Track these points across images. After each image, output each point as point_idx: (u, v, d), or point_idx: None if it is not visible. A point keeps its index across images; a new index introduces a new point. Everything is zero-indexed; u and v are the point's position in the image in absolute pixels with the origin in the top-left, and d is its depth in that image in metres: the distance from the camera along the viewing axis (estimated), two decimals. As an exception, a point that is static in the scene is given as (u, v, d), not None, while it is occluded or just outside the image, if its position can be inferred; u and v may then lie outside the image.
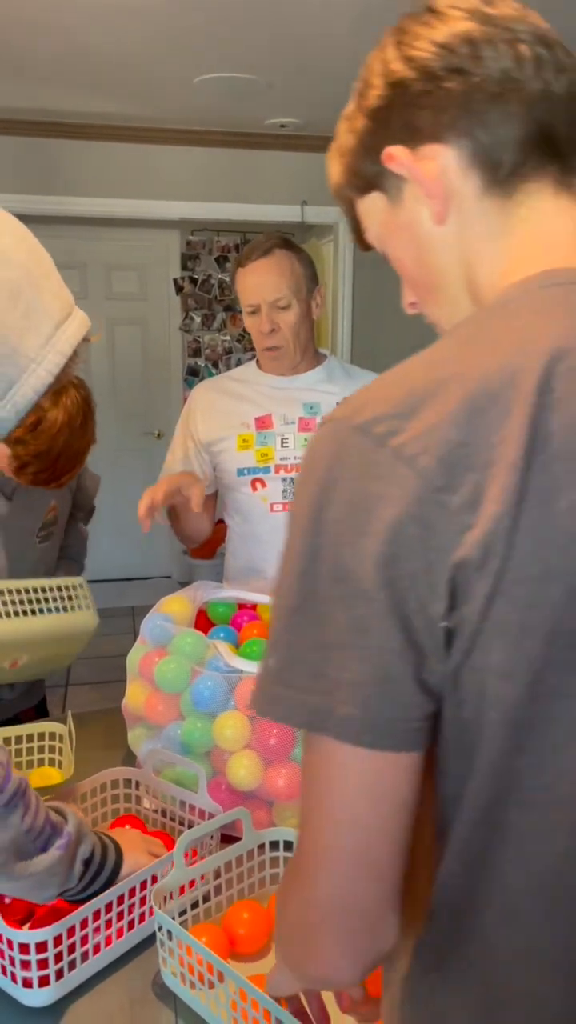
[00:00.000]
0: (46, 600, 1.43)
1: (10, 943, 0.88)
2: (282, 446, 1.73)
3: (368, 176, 0.68)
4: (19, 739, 1.38)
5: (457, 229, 0.64)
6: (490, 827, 0.55)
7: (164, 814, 1.25)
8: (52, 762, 1.40)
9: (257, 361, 1.82)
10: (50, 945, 0.88)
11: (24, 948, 0.87)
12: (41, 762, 1.40)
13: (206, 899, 1.05)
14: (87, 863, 0.87)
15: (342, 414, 0.55)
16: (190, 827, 1.20)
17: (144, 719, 1.35)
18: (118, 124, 3.83)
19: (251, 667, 1.29)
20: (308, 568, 0.54)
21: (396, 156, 0.63)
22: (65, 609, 1.46)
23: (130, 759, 1.48)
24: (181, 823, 1.22)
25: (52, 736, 1.40)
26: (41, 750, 1.40)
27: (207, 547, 4.94)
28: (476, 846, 0.56)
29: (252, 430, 1.74)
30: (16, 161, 3.85)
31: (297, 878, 0.58)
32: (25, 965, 0.88)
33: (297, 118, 3.72)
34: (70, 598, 1.47)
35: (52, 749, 1.41)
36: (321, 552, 0.53)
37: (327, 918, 0.56)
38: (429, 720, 0.54)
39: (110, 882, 0.91)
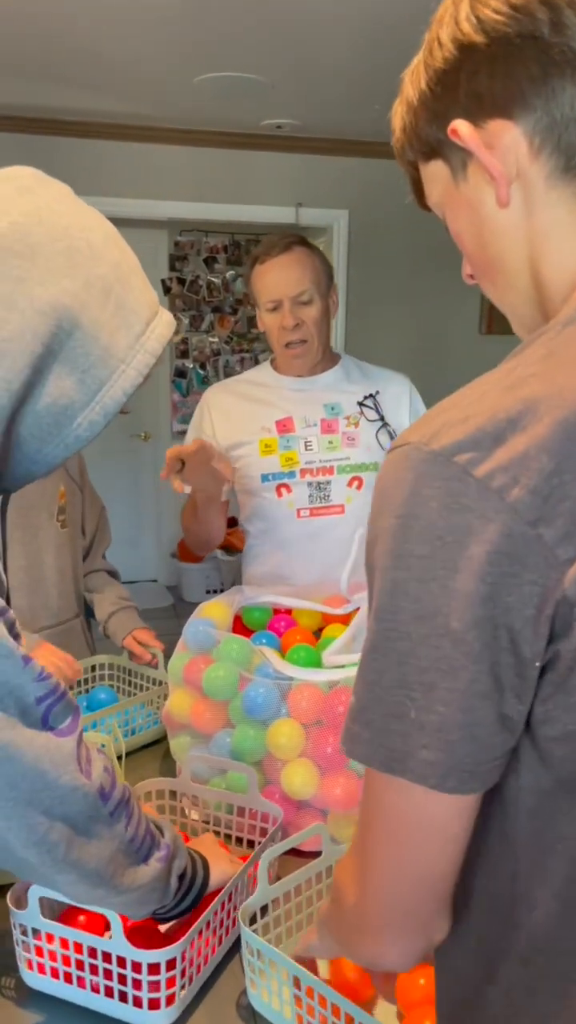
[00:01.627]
0: None
1: (136, 965, 0.86)
2: (306, 449, 1.70)
3: (431, 143, 0.63)
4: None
5: (522, 216, 0.59)
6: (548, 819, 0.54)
7: (207, 821, 1.22)
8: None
9: (272, 362, 1.79)
10: (178, 962, 0.87)
11: (153, 968, 0.86)
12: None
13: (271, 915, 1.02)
14: (181, 878, 0.84)
15: (417, 439, 0.51)
16: (242, 837, 1.18)
17: (190, 727, 1.32)
18: (113, 122, 3.78)
19: (302, 674, 1.26)
20: (386, 604, 0.51)
21: (460, 132, 0.58)
22: None
23: (167, 769, 1.45)
24: (228, 832, 1.19)
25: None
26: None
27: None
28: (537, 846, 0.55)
29: (274, 434, 1.71)
30: (4, 158, 3.77)
31: (356, 882, 0.58)
32: (152, 987, 0.87)
33: (294, 119, 3.70)
34: None
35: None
36: (401, 588, 0.50)
37: (382, 920, 0.58)
38: (507, 756, 0.52)
39: (199, 896, 0.88)
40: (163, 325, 0.74)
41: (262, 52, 2.89)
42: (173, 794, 1.23)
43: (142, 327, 0.71)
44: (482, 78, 0.57)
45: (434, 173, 0.65)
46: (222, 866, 0.92)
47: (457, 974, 0.61)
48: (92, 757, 0.73)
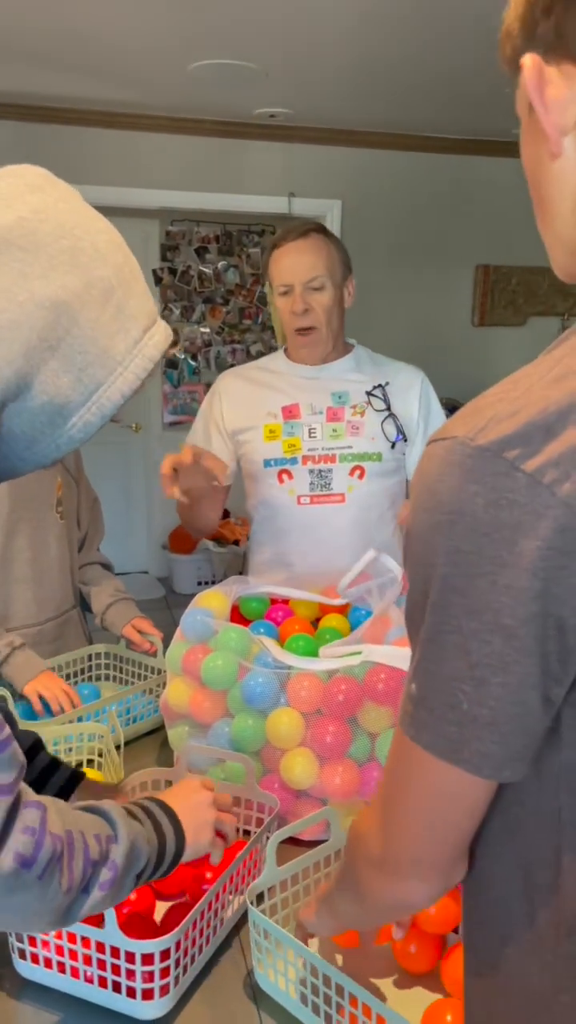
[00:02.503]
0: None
1: (130, 955, 0.86)
2: (309, 436, 1.70)
3: (516, 64, 0.58)
4: (56, 740, 1.34)
5: (572, 172, 0.56)
6: None
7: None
8: (91, 763, 1.36)
9: (286, 350, 1.79)
10: (172, 952, 0.87)
11: (147, 959, 0.86)
12: (79, 764, 1.35)
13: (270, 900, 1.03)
14: (139, 877, 0.81)
15: (462, 432, 0.51)
16: (239, 827, 1.18)
17: (188, 716, 1.32)
18: (104, 110, 3.75)
19: (301, 663, 1.26)
20: (438, 600, 0.52)
21: (525, 68, 0.55)
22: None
23: (165, 758, 1.45)
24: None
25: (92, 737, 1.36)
26: (80, 751, 1.36)
27: (188, 541, 4.89)
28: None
29: (279, 420, 1.71)
30: (-4, 145, 3.74)
31: (382, 834, 0.62)
32: (146, 977, 0.87)
33: (288, 108, 3.68)
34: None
35: (91, 750, 1.36)
36: (451, 583, 0.51)
37: (406, 869, 0.62)
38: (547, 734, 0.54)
39: (172, 867, 0.86)
40: (160, 333, 0.74)
41: (255, 40, 2.87)
42: (169, 784, 1.23)
43: (140, 333, 0.72)
44: (571, 17, 0.53)
45: (520, 88, 0.60)
46: (200, 840, 0.89)
47: (496, 950, 0.62)
48: (19, 822, 0.68)
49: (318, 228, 1.66)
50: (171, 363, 5.14)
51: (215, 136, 3.97)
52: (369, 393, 1.71)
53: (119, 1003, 0.89)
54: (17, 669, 1.51)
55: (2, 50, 3.00)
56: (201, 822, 0.90)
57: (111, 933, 0.86)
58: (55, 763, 1.05)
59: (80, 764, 1.35)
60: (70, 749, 1.35)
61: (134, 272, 0.73)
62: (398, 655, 1.21)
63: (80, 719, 1.43)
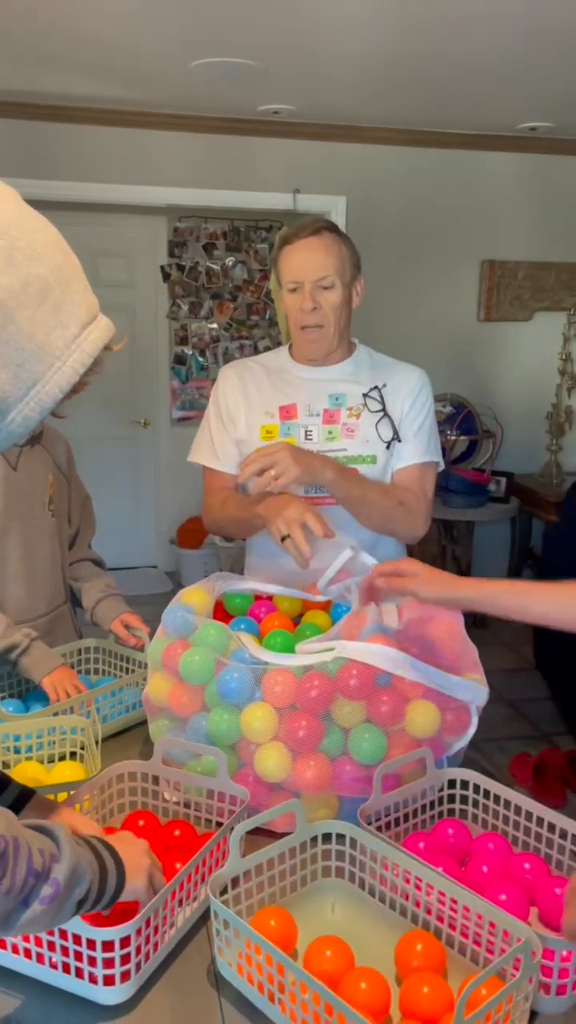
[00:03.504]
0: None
1: (91, 943, 0.89)
2: (305, 438, 1.71)
3: None
4: (40, 732, 1.37)
5: None
6: None
7: (188, 805, 1.25)
8: (75, 756, 1.38)
9: (290, 347, 1.80)
10: (133, 939, 0.90)
11: (108, 946, 0.88)
12: (63, 756, 1.38)
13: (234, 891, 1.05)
14: (81, 904, 0.84)
15: None
16: (212, 819, 1.20)
17: (167, 710, 1.34)
18: (110, 108, 3.78)
19: (277, 659, 1.28)
20: None
21: None
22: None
23: (148, 751, 1.48)
24: (208, 814, 1.22)
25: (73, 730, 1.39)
26: (63, 744, 1.39)
27: (195, 536, 4.92)
28: None
29: (276, 420, 1.72)
30: (2, 145, 3.78)
31: None
32: (107, 963, 0.90)
33: (291, 105, 3.69)
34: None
35: (75, 743, 1.39)
36: None
37: None
38: None
39: (110, 905, 0.90)
40: (100, 329, 0.76)
41: (258, 37, 2.88)
42: (147, 776, 1.26)
43: (78, 329, 0.73)
44: None
45: None
46: (135, 882, 0.92)
47: None
48: None
49: (330, 227, 1.66)
50: (179, 359, 5.17)
51: (220, 133, 3.98)
52: (366, 395, 1.72)
53: (81, 988, 0.92)
54: (35, 662, 1.54)
55: (12, 51, 3.03)
56: (139, 866, 0.93)
57: (73, 920, 0.88)
58: (4, 780, 1.07)
59: (63, 756, 1.38)
60: (52, 743, 1.38)
61: (73, 270, 0.74)
62: (371, 652, 1.23)
63: (71, 710, 1.46)
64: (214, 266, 5.08)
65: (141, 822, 1.19)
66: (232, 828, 1.07)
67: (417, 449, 1.72)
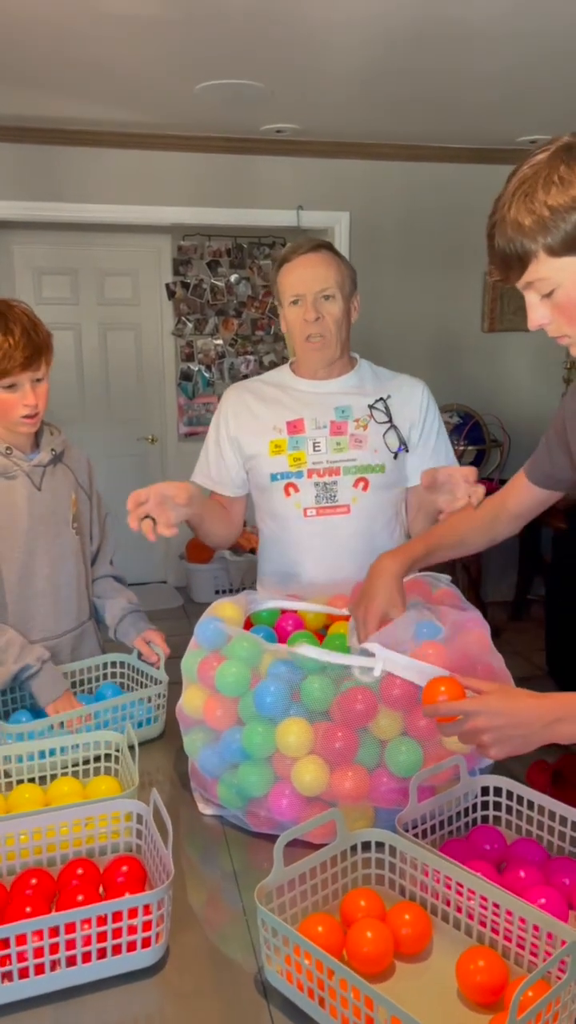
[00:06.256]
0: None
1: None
2: (314, 450, 1.74)
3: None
4: (75, 747, 1.39)
5: None
6: None
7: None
8: (108, 771, 1.40)
9: (291, 365, 1.83)
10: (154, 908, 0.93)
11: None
12: (98, 771, 1.40)
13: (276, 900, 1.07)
14: None
15: None
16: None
17: (202, 723, 1.36)
18: (115, 131, 3.83)
19: (321, 655, 1.26)
20: None
21: None
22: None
23: (181, 763, 1.50)
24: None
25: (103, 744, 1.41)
26: (97, 759, 1.41)
27: (205, 551, 4.94)
28: None
29: (284, 435, 1.76)
30: (9, 167, 3.83)
31: None
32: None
33: (294, 123, 3.74)
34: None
35: (108, 758, 1.41)
36: None
37: None
38: None
39: None
40: None
41: (261, 60, 2.93)
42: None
43: None
44: None
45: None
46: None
47: None
48: None
49: (327, 245, 1.72)
50: (186, 375, 5.21)
51: (224, 152, 4.04)
52: (371, 406, 1.75)
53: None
54: (43, 687, 1.58)
55: (17, 75, 3.08)
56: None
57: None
58: None
59: (98, 770, 1.40)
60: (87, 759, 1.40)
61: None
62: (414, 668, 1.23)
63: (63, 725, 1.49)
64: (218, 283, 5.12)
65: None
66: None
67: (437, 460, 1.76)
